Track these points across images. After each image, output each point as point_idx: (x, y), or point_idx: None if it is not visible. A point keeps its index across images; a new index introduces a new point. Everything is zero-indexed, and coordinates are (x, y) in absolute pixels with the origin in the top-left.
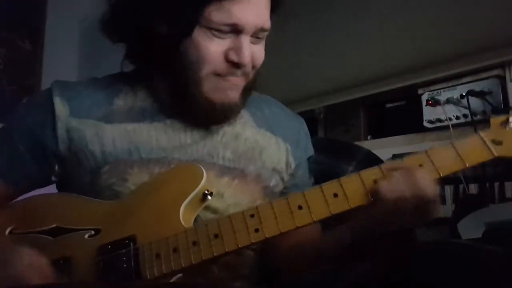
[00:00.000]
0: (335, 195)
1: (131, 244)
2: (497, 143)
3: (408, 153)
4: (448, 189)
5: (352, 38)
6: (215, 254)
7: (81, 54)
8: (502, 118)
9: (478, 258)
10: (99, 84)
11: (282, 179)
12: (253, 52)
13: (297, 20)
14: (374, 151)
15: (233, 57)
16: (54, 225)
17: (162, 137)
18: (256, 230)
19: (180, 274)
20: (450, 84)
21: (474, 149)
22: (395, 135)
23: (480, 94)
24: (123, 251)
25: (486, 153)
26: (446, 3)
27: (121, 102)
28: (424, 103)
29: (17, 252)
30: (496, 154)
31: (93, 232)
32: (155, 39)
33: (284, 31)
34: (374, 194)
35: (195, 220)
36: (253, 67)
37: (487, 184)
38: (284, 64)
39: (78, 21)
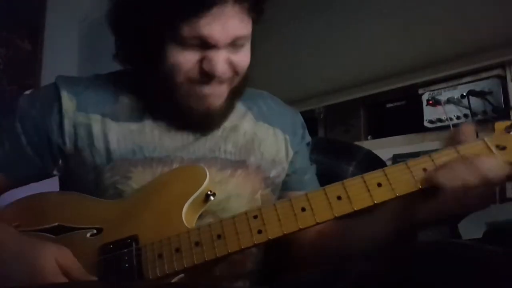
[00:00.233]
0: (339, 198)
1: (133, 244)
2: (501, 148)
3: (408, 153)
4: None
5: (352, 38)
6: (217, 255)
7: (81, 54)
8: (506, 123)
9: (478, 258)
10: (103, 81)
11: (283, 169)
12: (233, 61)
13: (297, 20)
14: (374, 151)
15: (206, 67)
16: (56, 224)
17: (165, 136)
18: (259, 232)
19: (182, 275)
20: (450, 84)
21: (478, 154)
22: (396, 135)
23: (480, 94)
24: (125, 250)
25: None
26: (446, 3)
27: (126, 100)
28: (424, 103)
29: (42, 246)
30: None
31: (95, 231)
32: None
33: (284, 31)
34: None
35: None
36: (237, 73)
37: None
38: (284, 64)
39: (78, 21)
